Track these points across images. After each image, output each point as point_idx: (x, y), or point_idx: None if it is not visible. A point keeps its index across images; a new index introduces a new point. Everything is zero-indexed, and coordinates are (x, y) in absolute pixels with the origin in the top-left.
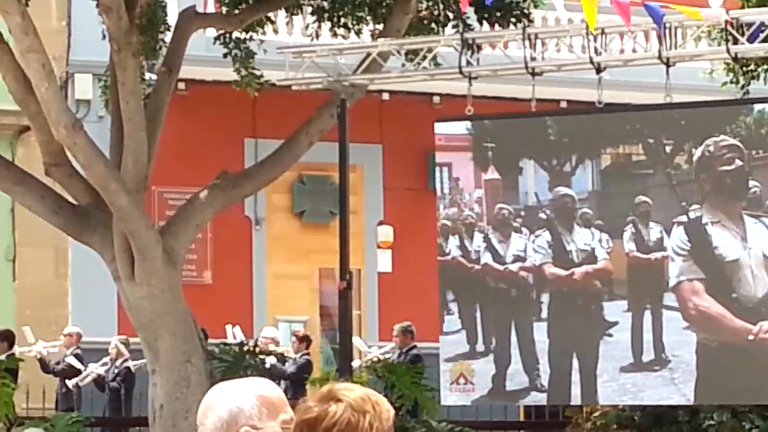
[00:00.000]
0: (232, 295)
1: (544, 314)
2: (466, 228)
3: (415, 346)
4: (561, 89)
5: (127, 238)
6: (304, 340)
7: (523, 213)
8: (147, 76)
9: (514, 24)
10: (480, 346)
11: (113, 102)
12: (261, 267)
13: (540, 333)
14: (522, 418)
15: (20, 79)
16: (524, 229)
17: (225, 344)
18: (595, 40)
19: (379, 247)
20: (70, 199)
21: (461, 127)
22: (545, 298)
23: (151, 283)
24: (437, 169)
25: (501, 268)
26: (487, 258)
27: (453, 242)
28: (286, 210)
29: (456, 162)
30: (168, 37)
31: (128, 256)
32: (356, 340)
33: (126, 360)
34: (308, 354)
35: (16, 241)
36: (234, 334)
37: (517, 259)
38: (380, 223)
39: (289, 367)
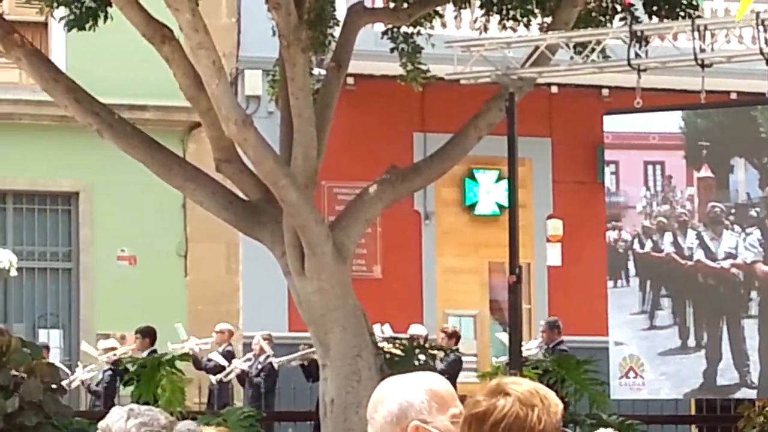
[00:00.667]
0: (401, 290)
1: (753, 311)
2: (679, 225)
3: (562, 341)
4: (731, 81)
5: (297, 234)
6: (453, 336)
7: (734, 210)
8: (316, 71)
9: (682, 16)
10: (691, 342)
11: (283, 98)
12: (430, 261)
13: (749, 330)
14: (693, 412)
15: (191, 75)
16: (736, 227)
17: (395, 338)
18: (765, 30)
19: (548, 240)
20: (241, 195)
21: (674, 125)
22: (754, 295)
23: (321, 278)
24: (605, 166)
25: (713, 264)
26: (699, 254)
27: (667, 239)
28: (456, 204)
29: (623, 160)
30: (336, 32)
31: (298, 251)
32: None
33: (269, 356)
34: (457, 350)
35: (187, 237)
36: (383, 331)
37: (729, 256)
38: (549, 217)
39: (439, 365)
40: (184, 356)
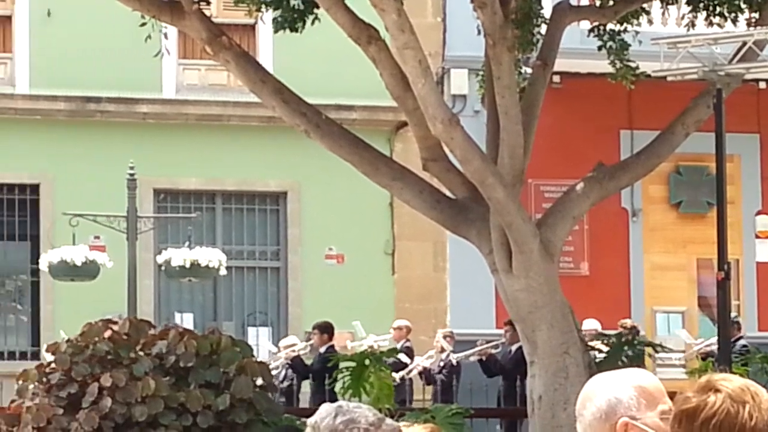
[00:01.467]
0: (609, 287)
1: None
2: None
3: (741, 338)
4: None
5: (504, 231)
6: (632, 330)
7: None
8: (522, 69)
9: None
10: None
11: (489, 96)
12: (638, 258)
13: None
14: None
15: (397, 75)
16: None
17: (603, 335)
18: None
19: (757, 236)
20: (448, 194)
21: None
22: None
23: (529, 275)
24: None
25: None
26: None
27: None
28: (663, 201)
29: None
30: (542, 30)
31: (506, 248)
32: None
33: (449, 353)
34: (660, 345)
35: (394, 236)
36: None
37: None
38: (758, 213)
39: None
40: (391, 351)
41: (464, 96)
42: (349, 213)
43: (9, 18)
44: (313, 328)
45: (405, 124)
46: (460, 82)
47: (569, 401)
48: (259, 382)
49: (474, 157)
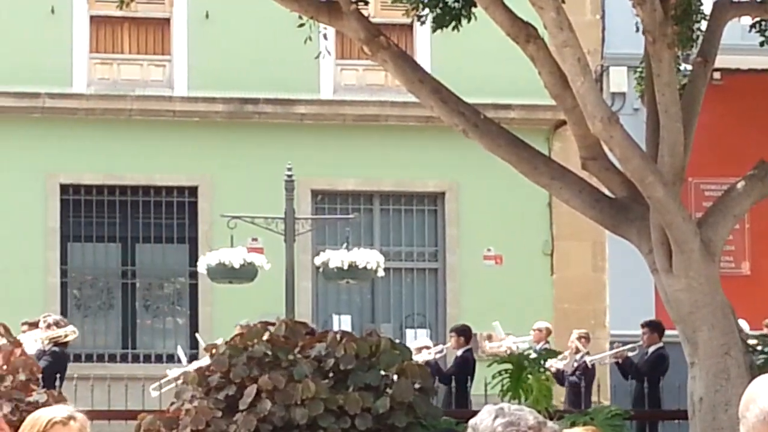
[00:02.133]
0: None
1: None
2: None
3: None
4: None
5: (664, 230)
6: None
7: None
8: (681, 66)
9: None
10: None
11: (648, 94)
12: None
13: None
14: None
15: (556, 74)
16: None
17: (765, 336)
18: None
19: None
20: (607, 193)
21: None
22: None
23: (689, 275)
24: None
25: None
26: None
27: None
28: None
29: None
30: (702, 26)
31: (666, 248)
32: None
33: (584, 355)
34: None
35: (553, 236)
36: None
37: None
38: None
39: None
40: (550, 353)
41: (623, 94)
42: (507, 213)
43: (167, 20)
44: (451, 331)
45: (563, 122)
46: (619, 79)
47: (730, 403)
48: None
49: (633, 155)
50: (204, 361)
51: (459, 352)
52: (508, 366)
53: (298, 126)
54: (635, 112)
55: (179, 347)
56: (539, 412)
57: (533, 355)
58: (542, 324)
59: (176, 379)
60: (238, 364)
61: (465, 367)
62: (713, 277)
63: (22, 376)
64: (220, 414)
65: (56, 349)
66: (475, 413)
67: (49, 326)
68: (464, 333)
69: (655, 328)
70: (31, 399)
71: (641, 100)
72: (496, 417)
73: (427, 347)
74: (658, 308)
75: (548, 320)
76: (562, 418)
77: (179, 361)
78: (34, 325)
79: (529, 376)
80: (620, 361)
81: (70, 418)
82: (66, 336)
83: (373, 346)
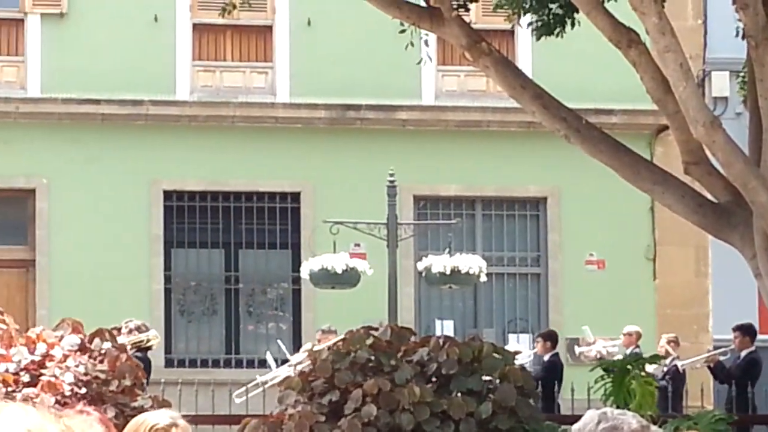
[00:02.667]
0: None
1: None
2: None
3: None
4: None
5: (767, 235)
6: None
7: None
8: None
9: None
10: None
11: (751, 98)
12: None
13: None
14: None
15: (658, 79)
16: None
17: None
18: None
19: None
20: (710, 197)
21: None
22: None
23: None
24: None
25: None
26: None
27: None
28: None
29: None
30: None
31: None
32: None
33: (674, 359)
34: None
35: (655, 241)
36: None
37: None
38: None
39: None
40: (654, 358)
41: (725, 98)
42: (609, 218)
43: (270, 28)
44: (537, 337)
45: (666, 127)
46: (721, 84)
47: None
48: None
49: (736, 160)
50: (281, 370)
51: (546, 357)
52: (609, 370)
53: (400, 132)
54: (737, 116)
55: (268, 353)
56: (642, 416)
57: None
58: (632, 328)
59: (263, 383)
60: (341, 369)
61: (553, 371)
62: None
63: (127, 381)
64: (323, 419)
65: (138, 354)
66: (578, 418)
67: (130, 331)
68: (551, 338)
69: (746, 331)
70: (135, 404)
71: (744, 105)
72: (599, 422)
73: (518, 352)
74: (761, 313)
75: (651, 325)
76: (666, 423)
77: (271, 366)
78: (116, 330)
79: (632, 380)
80: (712, 365)
81: (173, 425)
82: (148, 341)
83: (476, 351)
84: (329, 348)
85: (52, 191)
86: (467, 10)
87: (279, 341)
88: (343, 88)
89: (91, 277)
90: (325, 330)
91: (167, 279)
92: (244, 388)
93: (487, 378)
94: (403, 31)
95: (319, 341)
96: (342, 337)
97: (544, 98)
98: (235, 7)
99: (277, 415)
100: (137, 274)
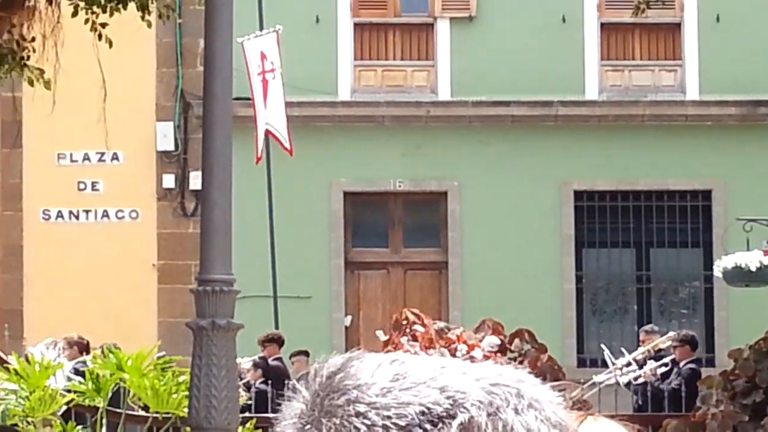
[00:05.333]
0: None
1: None
2: None
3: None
4: None
5: None
6: None
7: None
8: None
9: None
10: None
11: None
12: None
13: None
14: None
15: None
16: None
17: None
18: None
19: None
20: None
21: None
22: None
23: None
24: None
25: None
26: None
27: None
28: None
29: None
30: None
31: None
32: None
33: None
34: None
35: None
36: None
37: None
38: None
39: None
40: None
41: None
42: None
43: (678, 25)
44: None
45: None
46: None
47: None
48: None
49: None
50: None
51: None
52: None
53: None
54: None
55: (606, 349)
56: None
57: None
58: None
59: (599, 384)
60: (763, 369)
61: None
62: None
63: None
64: (747, 419)
65: None
66: None
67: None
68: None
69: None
70: None
71: None
72: None
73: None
74: None
75: None
76: None
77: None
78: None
79: None
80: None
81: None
82: None
83: None
84: (750, 347)
85: (463, 193)
86: None
87: (602, 346)
88: (754, 85)
89: (503, 277)
90: (648, 330)
91: (578, 279)
92: (580, 388)
93: None
94: None
95: (642, 342)
96: (763, 336)
97: None
98: (649, 5)
99: (700, 415)
100: (548, 274)
